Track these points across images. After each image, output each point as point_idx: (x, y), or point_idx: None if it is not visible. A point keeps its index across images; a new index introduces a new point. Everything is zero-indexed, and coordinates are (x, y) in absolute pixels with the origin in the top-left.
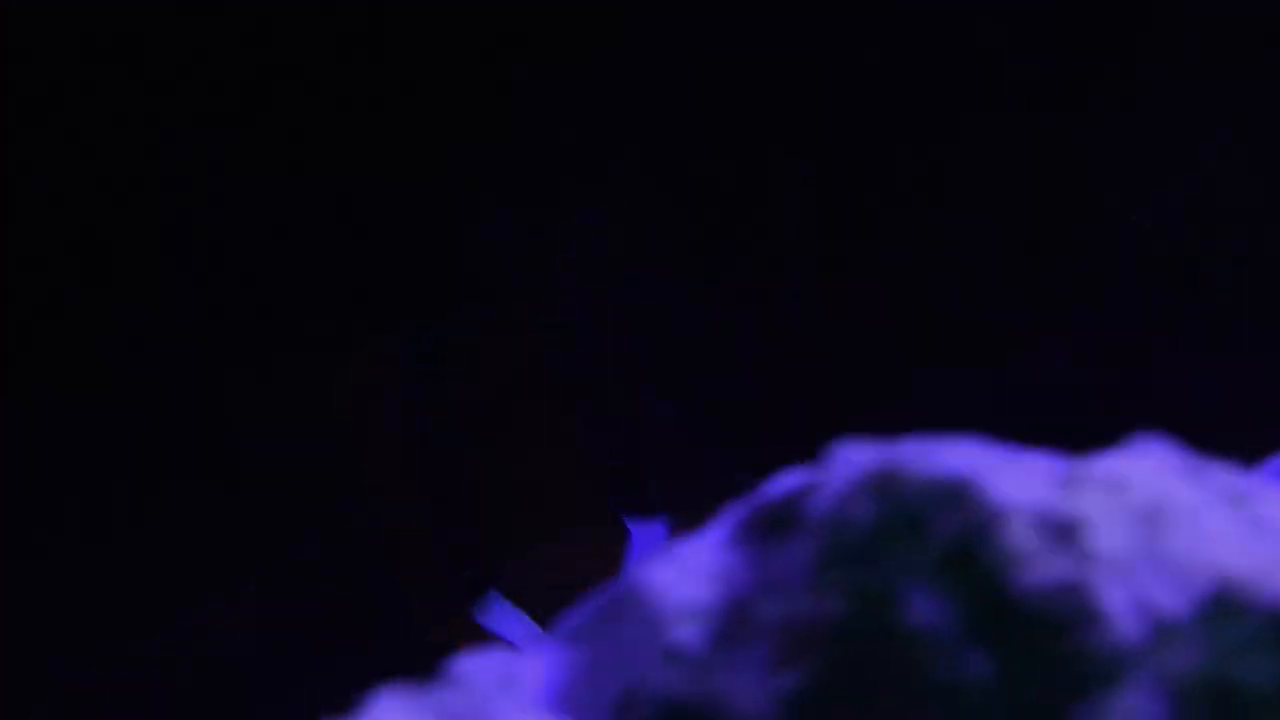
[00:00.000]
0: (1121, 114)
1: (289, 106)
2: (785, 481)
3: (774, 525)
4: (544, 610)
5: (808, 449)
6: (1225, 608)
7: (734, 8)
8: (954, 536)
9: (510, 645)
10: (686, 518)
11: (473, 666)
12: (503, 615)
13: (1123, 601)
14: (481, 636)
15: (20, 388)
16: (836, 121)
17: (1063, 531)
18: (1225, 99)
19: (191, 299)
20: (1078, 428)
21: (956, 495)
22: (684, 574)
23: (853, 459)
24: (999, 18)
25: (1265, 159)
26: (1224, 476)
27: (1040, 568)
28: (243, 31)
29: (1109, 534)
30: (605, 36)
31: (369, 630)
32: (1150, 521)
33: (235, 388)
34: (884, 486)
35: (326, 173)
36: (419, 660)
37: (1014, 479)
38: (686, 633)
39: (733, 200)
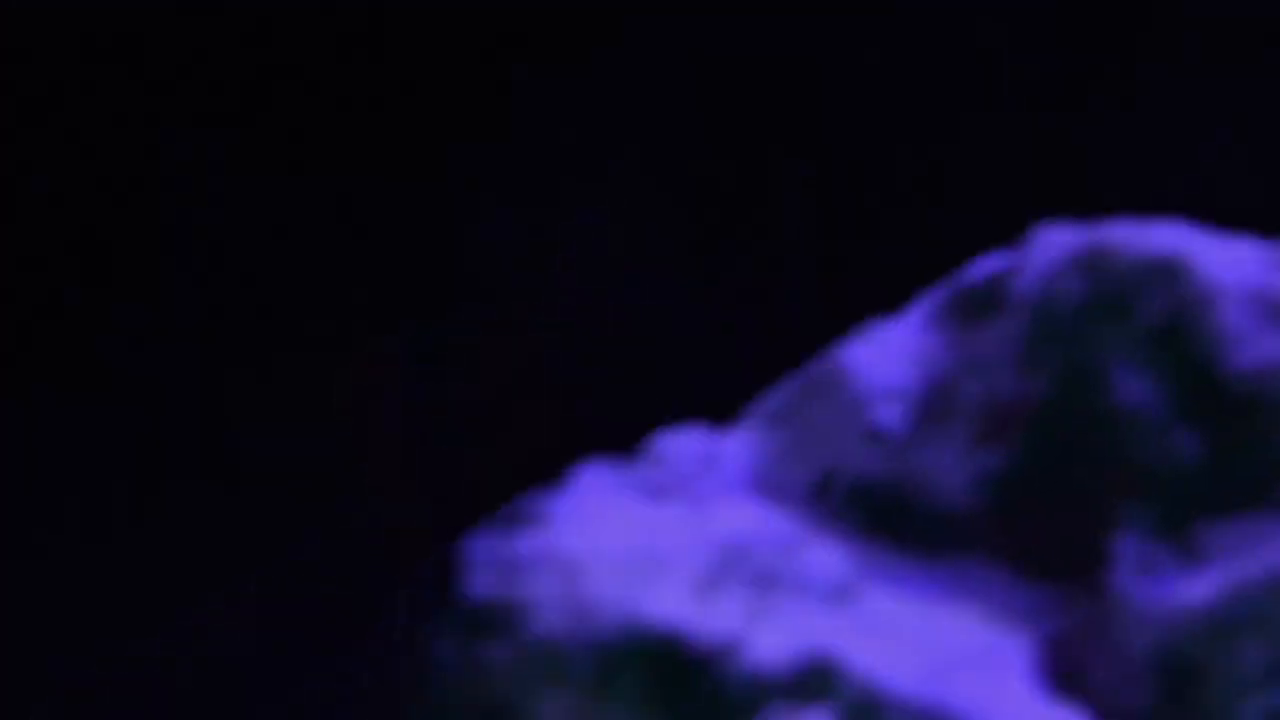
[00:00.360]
0: (1121, 114)
1: (289, 106)
2: (985, 264)
3: (975, 306)
4: None
5: None
6: None
7: (734, 8)
8: (1164, 315)
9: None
10: None
11: (675, 444)
12: None
13: None
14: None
15: (20, 388)
16: (836, 121)
17: (1275, 312)
18: (1225, 99)
19: (191, 299)
20: None
21: (1168, 273)
22: (884, 355)
23: (1056, 240)
24: (999, 18)
25: (1265, 159)
26: None
27: (1252, 347)
28: (243, 31)
29: None
30: (605, 36)
31: (369, 630)
32: None
33: (235, 388)
34: (1093, 264)
35: (326, 173)
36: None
37: (1225, 259)
38: (887, 413)
39: (733, 200)
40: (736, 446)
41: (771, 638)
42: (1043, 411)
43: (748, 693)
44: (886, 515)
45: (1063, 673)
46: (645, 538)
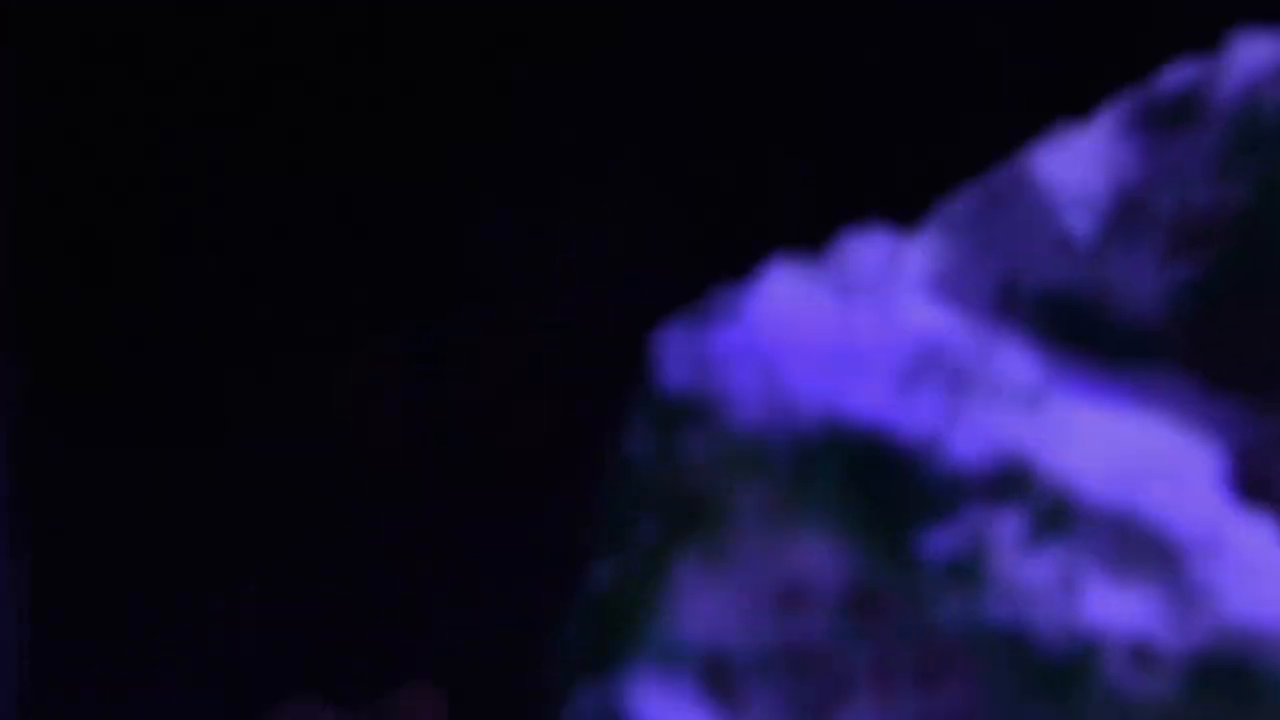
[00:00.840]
0: None
1: (289, 106)
2: (1178, 74)
3: (1170, 115)
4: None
5: None
6: None
7: (734, 8)
8: None
9: None
10: None
11: (861, 247)
12: None
13: None
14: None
15: (21, 388)
16: (836, 121)
17: None
18: None
19: (191, 299)
20: None
21: None
22: (1074, 162)
23: (1258, 48)
24: (999, 18)
25: None
26: None
27: None
28: (243, 31)
29: None
30: (605, 36)
31: (369, 630)
32: None
33: (235, 387)
34: None
35: (326, 173)
36: (421, 660)
37: None
38: (1077, 220)
39: (733, 200)
40: (920, 251)
41: (968, 437)
42: (1239, 224)
43: (946, 489)
44: (1075, 324)
45: (1251, 483)
46: (839, 333)
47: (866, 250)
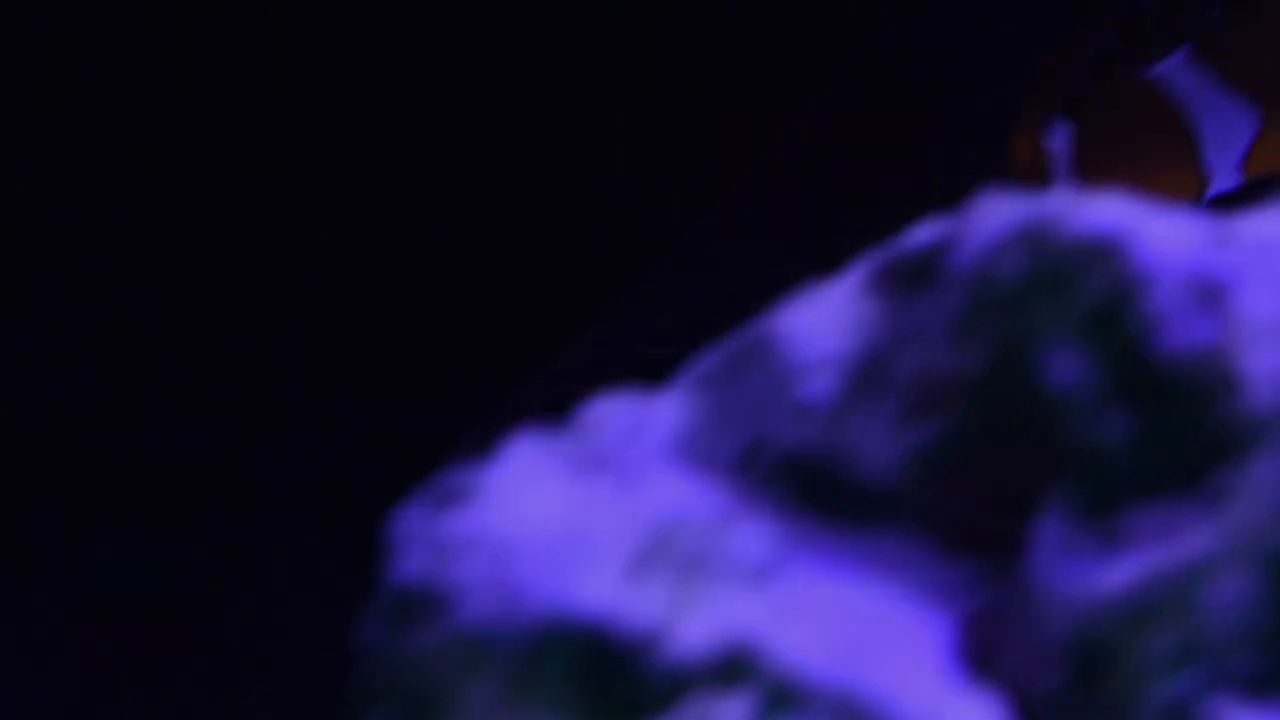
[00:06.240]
0: None
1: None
2: (924, 232)
3: (913, 276)
4: None
5: None
6: None
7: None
8: (1101, 296)
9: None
10: None
11: (604, 412)
12: None
13: (1265, 369)
14: None
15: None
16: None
17: (1209, 295)
18: None
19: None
20: None
21: (1106, 254)
22: (817, 323)
23: (998, 213)
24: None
25: None
26: None
27: (1183, 331)
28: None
29: (1256, 299)
30: None
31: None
32: None
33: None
34: (1032, 241)
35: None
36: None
37: (1164, 238)
38: (817, 384)
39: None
40: (666, 413)
41: (696, 624)
42: (975, 388)
43: (671, 682)
44: (814, 487)
45: (979, 653)
46: (575, 516)
47: (611, 415)
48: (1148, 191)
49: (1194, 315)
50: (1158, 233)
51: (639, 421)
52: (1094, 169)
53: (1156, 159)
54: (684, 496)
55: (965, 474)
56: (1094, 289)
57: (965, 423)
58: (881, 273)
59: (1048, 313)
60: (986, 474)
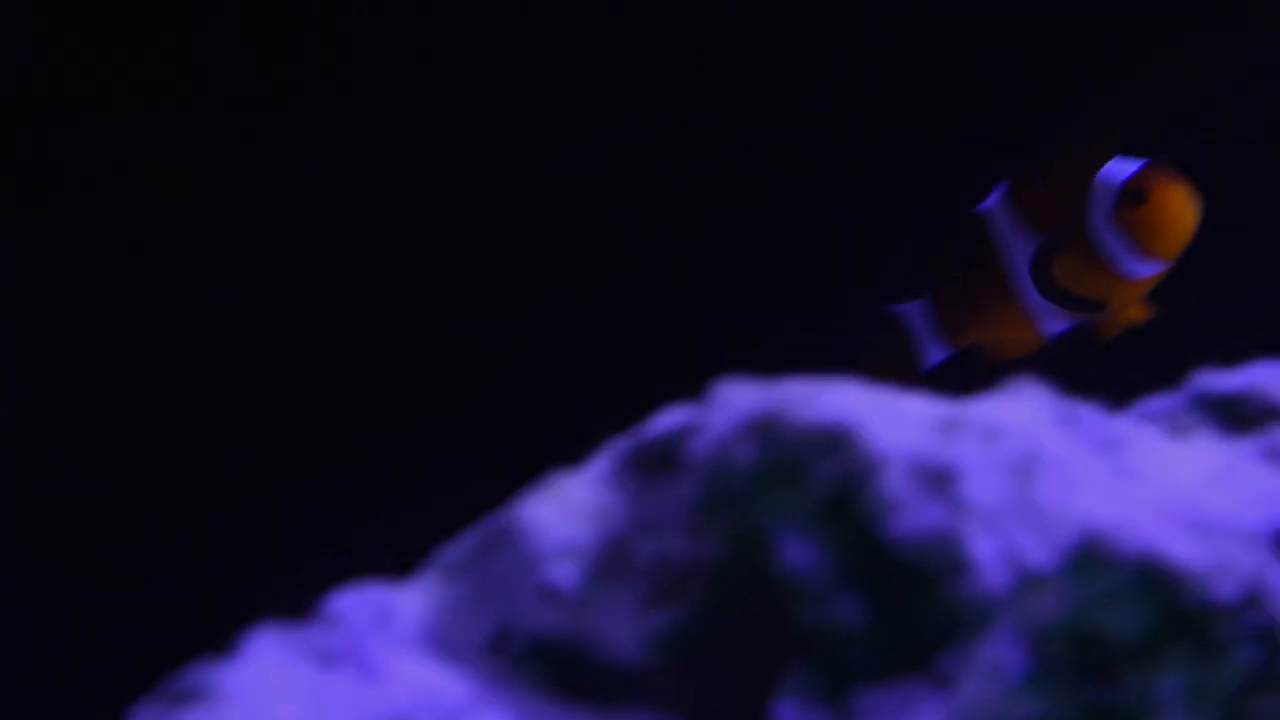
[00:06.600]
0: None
1: None
2: (666, 419)
3: (654, 464)
4: None
5: None
6: (1091, 558)
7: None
8: (832, 483)
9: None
10: None
11: (348, 603)
12: None
13: (991, 551)
14: None
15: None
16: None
17: (937, 480)
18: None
19: None
20: None
21: (836, 441)
22: (562, 510)
23: (736, 401)
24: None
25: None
26: (1097, 422)
27: (913, 516)
28: None
29: (981, 483)
30: None
31: None
32: (1021, 471)
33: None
34: (766, 431)
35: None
36: None
37: (893, 425)
38: (562, 571)
39: None
40: (412, 601)
41: None
42: (714, 574)
43: None
44: (562, 671)
45: None
46: (313, 713)
47: (354, 605)
48: (998, 349)
49: (923, 500)
50: (887, 420)
51: (385, 610)
52: (954, 329)
53: (996, 317)
54: (429, 686)
55: (708, 656)
56: (824, 476)
57: (706, 608)
58: (625, 460)
59: (781, 500)
60: (728, 656)
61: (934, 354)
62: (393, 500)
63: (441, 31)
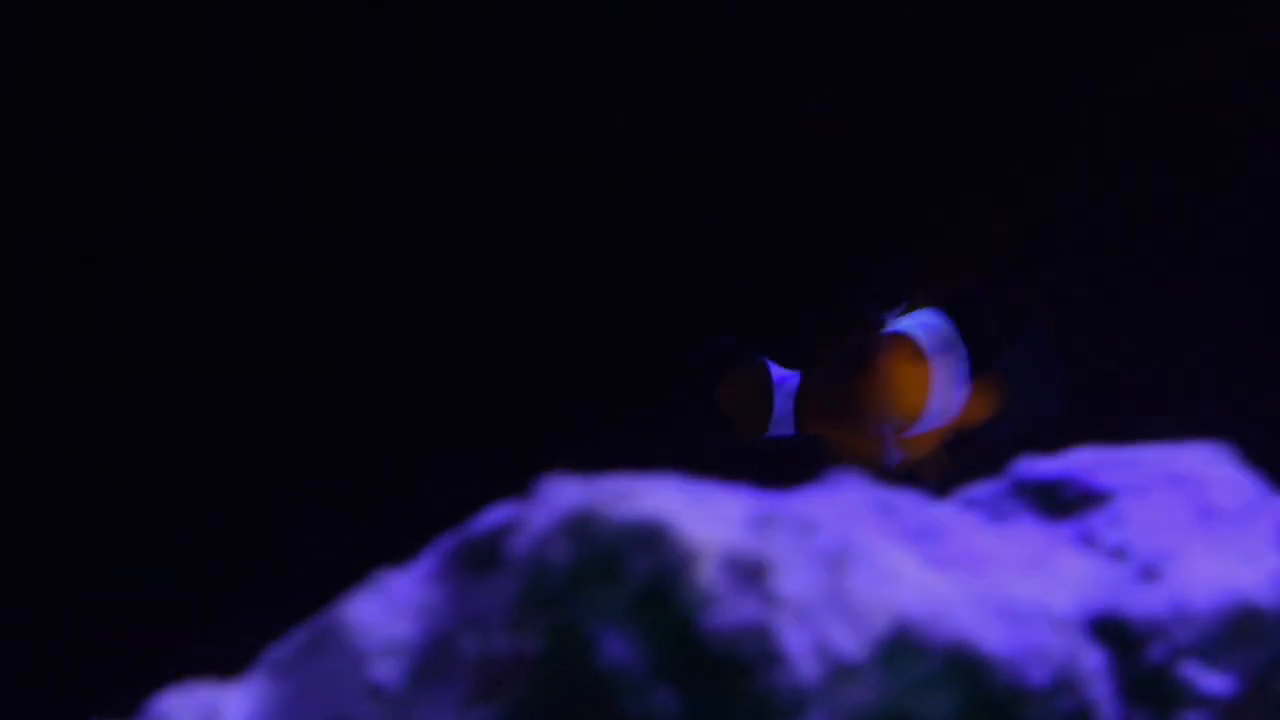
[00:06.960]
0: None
1: None
2: (492, 516)
3: (478, 561)
4: None
5: None
6: (902, 648)
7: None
8: (647, 578)
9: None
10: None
11: (172, 703)
12: None
13: (804, 643)
14: None
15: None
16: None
17: (751, 574)
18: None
19: None
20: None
21: (651, 537)
22: (387, 608)
23: (557, 497)
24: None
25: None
26: (914, 510)
27: (727, 610)
28: None
29: (794, 577)
30: None
31: None
32: (835, 564)
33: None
34: (582, 528)
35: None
36: None
37: (707, 521)
38: (387, 669)
39: None
40: (239, 701)
41: None
42: (536, 670)
43: None
44: None
45: None
46: None
47: (179, 705)
48: (840, 452)
49: (737, 594)
50: (702, 515)
51: (210, 710)
52: (815, 421)
53: (849, 421)
54: None
55: None
56: (640, 572)
57: (528, 703)
58: (451, 557)
59: (598, 596)
60: None
61: (781, 427)
62: (393, 500)
63: (441, 31)
